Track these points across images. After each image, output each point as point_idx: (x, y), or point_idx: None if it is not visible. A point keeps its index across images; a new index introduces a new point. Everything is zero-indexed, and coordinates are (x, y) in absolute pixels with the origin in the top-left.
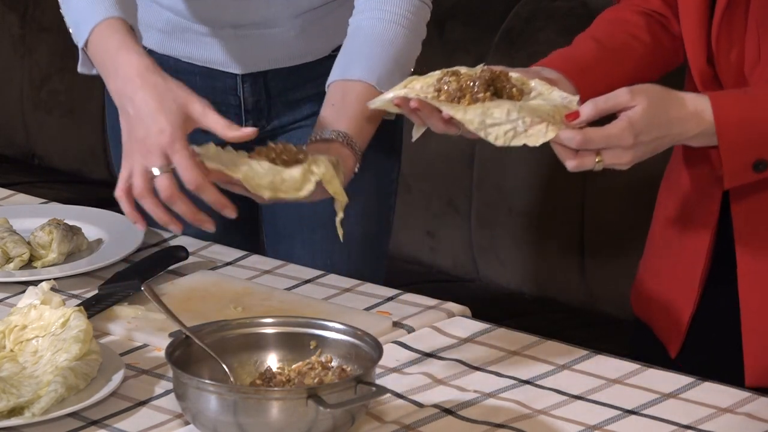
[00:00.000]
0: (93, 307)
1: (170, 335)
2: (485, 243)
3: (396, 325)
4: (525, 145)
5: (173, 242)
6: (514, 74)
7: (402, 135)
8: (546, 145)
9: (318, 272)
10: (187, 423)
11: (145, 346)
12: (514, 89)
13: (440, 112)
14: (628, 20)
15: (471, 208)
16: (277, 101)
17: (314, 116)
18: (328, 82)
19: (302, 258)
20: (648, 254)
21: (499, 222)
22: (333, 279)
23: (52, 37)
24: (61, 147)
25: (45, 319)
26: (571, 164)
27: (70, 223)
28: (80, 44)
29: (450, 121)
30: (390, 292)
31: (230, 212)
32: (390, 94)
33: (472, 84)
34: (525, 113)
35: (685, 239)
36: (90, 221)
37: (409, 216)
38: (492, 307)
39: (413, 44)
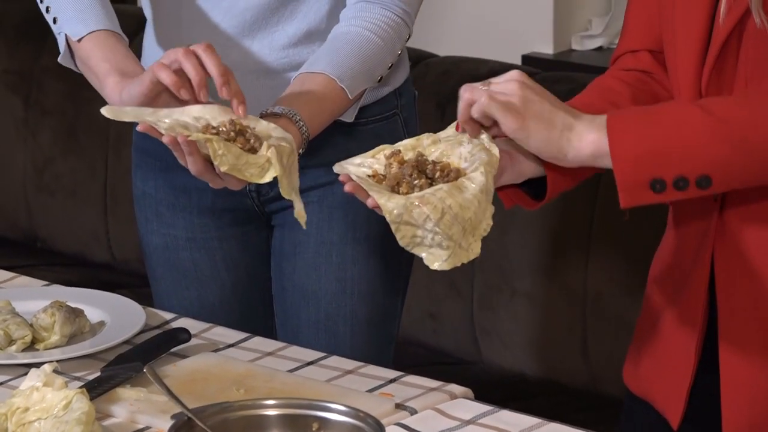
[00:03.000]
0: (95, 389)
1: (172, 417)
2: (487, 325)
3: (398, 406)
4: (526, 226)
5: (175, 324)
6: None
7: None
8: (549, 226)
9: (320, 354)
10: None
11: (147, 428)
12: (437, 173)
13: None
14: (611, 88)
15: (473, 290)
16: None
17: (317, 188)
18: (293, 77)
19: (307, 337)
20: (641, 326)
21: (502, 304)
22: (335, 361)
23: (55, 121)
24: (64, 230)
25: (47, 401)
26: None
27: (73, 305)
28: (73, 37)
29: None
30: (392, 373)
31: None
32: (355, 161)
33: (406, 172)
34: (441, 228)
35: (677, 309)
36: (92, 303)
37: (411, 298)
38: (495, 389)
39: (384, 53)
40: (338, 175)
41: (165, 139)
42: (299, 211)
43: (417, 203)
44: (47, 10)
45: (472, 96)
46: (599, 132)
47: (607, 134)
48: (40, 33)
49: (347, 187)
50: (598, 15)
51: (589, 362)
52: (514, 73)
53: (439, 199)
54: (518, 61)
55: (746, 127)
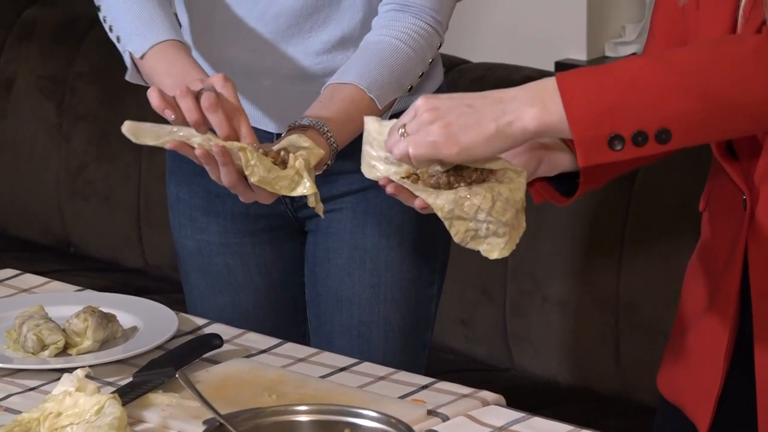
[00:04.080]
0: (127, 395)
1: (204, 423)
2: (520, 332)
3: (430, 413)
4: (558, 232)
5: (208, 330)
6: None
7: None
8: (581, 232)
9: (352, 360)
10: None
11: None
12: (474, 176)
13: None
14: None
15: (505, 296)
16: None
17: (351, 195)
18: (305, 93)
19: (340, 343)
20: (675, 332)
21: (534, 310)
22: (367, 367)
23: (89, 126)
24: (97, 235)
25: (79, 406)
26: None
27: (105, 310)
28: (136, 54)
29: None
30: (424, 380)
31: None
32: (380, 154)
33: (442, 180)
34: (494, 216)
35: (708, 315)
36: (125, 309)
37: (443, 304)
38: (527, 395)
39: (414, 62)
40: (372, 182)
41: (198, 152)
42: (318, 204)
43: (466, 195)
44: (110, 29)
45: (399, 154)
46: (542, 106)
47: (560, 97)
48: (74, 38)
49: (389, 189)
50: (632, 21)
51: (621, 369)
52: (417, 103)
53: (487, 188)
54: (551, 68)
55: (706, 75)
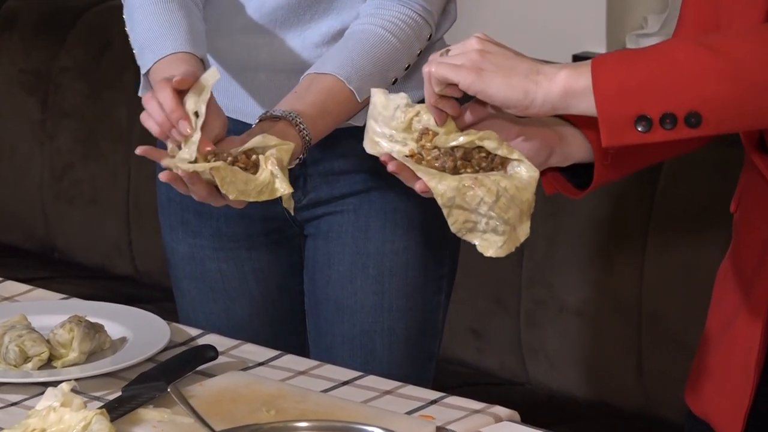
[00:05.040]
0: (116, 410)
1: None
2: (535, 343)
3: (440, 430)
4: (575, 237)
5: (202, 341)
6: (491, 143)
7: None
8: (600, 238)
9: (356, 373)
10: None
11: None
12: (483, 163)
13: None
14: None
15: (519, 305)
16: (314, 171)
17: (353, 196)
18: (302, 76)
19: (341, 355)
20: (704, 341)
21: (550, 321)
22: (372, 380)
23: (74, 123)
24: (84, 240)
25: (65, 422)
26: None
27: (92, 320)
28: (143, 70)
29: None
30: (433, 394)
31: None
32: (385, 132)
33: (447, 164)
34: (495, 212)
35: (738, 323)
36: (113, 318)
37: (454, 314)
38: (542, 411)
39: (399, 54)
40: (375, 183)
41: (163, 178)
42: (289, 203)
43: (471, 185)
44: (132, 45)
45: (428, 68)
46: (573, 70)
47: (590, 71)
48: (59, 30)
49: (391, 167)
50: (654, 12)
51: (643, 383)
52: (473, 37)
53: (493, 181)
54: (569, 61)
55: (743, 59)
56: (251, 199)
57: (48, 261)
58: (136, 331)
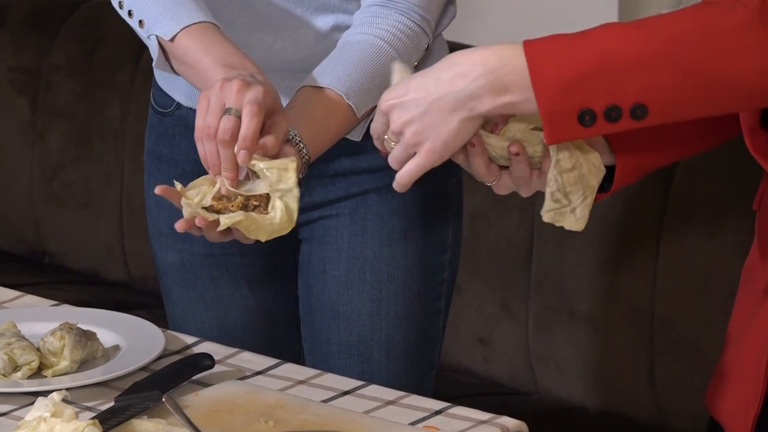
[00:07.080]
0: (109, 421)
1: None
2: (544, 351)
3: None
4: (586, 241)
5: (197, 349)
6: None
7: (459, 232)
8: (611, 242)
9: (358, 383)
10: None
11: None
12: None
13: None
14: None
15: (528, 312)
16: (308, 173)
17: (349, 199)
18: (297, 88)
19: (338, 363)
20: (726, 344)
21: (559, 327)
22: (374, 390)
23: (65, 123)
24: (75, 244)
25: None
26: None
27: (84, 327)
28: (166, 37)
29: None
30: (438, 404)
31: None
32: None
33: None
34: (563, 177)
35: (753, 325)
36: (106, 326)
37: (460, 320)
38: (552, 421)
39: None
40: (372, 185)
41: (179, 227)
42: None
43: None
44: (129, 14)
45: (398, 185)
46: (495, 79)
47: (526, 65)
48: (50, 27)
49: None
50: (668, 7)
51: (656, 393)
52: (385, 116)
53: (575, 146)
54: None
55: (688, 46)
56: (276, 236)
57: (38, 266)
58: (130, 339)
